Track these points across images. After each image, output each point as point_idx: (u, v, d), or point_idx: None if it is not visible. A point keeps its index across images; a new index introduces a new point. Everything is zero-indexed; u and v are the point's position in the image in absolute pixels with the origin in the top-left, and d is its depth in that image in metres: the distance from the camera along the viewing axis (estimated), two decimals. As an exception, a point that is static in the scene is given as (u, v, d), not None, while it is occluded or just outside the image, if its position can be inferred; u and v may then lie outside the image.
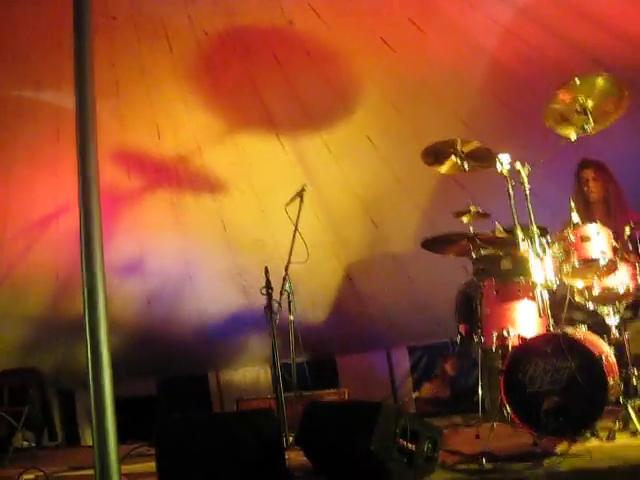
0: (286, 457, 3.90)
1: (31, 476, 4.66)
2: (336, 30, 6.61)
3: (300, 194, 5.71)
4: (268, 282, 5.42)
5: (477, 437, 4.54)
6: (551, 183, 5.69)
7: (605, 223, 4.39)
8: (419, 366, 8.66)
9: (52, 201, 8.05)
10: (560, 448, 3.55)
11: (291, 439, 4.93)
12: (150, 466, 4.05)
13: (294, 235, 5.60)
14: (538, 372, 3.70)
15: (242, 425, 3.65)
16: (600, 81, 4.04)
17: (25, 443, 7.87)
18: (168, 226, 8.50)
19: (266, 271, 5.51)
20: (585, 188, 5.37)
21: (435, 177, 6.65)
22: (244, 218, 8.31)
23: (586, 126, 4.13)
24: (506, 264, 5.05)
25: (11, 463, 6.00)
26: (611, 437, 3.81)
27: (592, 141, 4.78)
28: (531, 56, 6.32)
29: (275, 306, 5.37)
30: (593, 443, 3.72)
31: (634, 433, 3.75)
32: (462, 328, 5.50)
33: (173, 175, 8.19)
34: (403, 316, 7.42)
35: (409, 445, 3.34)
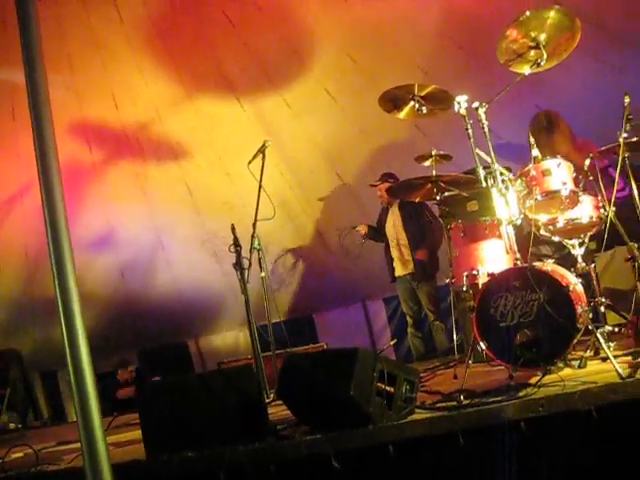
0: (269, 412, 3.95)
1: (20, 454, 4.66)
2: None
3: (262, 150, 5.68)
4: (236, 239, 5.44)
5: (455, 377, 4.61)
6: (516, 125, 5.73)
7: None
8: (396, 316, 8.74)
9: (15, 181, 7.96)
10: (534, 379, 3.62)
11: (272, 395, 4.99)
12: (137, 434, 4.08)
13: (259, 192, 5.60)
14: (508, 306, 3.75)
15: (221, 382, 3.67)
16: (552, 13, 4.02)
17: (11, 425, 7.88)
18: (135, 197, 8.46)
19: (232, 228, 5.52)
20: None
21: (397, 125, 6.65)
22: (210, 182, 8.29)
23: (540, 61, 4.13)
24: (472, 206, 5.08)
25: (-2, 444, 6.00)
26: (583, 365, 3.90)
27: (551, 75, 4.79)
28: (485, -3, 6.30)
29: (245, 262, 5.37)
30: (566, 371, 3.79)
31: (604, 359, 3.83)
32: None
33: (135, 145, 8.13)
34: (377, 268, 7.46)
35: (387, 388, 3.38)
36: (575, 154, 5.03)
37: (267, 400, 4.80)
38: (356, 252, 7.29)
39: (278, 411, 4.28)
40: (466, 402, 3.47)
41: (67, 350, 2.08)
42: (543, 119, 5.36)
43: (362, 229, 7.12)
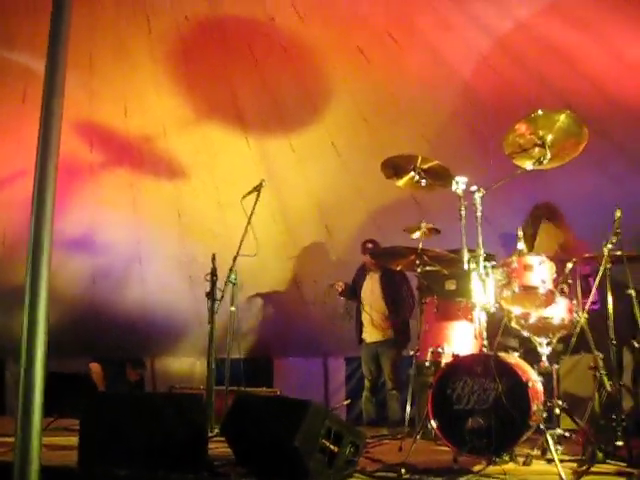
0: (209, 446, 3.91)
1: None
2: (315, 32, 6.69)
3: (257, 189, 5.75)
4: (214, 269, 5.45)
5: (400, 449, 4.60)
6: (509, 215, 5.84)
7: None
8: (354, 377, 8.70)
9: (10, 163, 7.94)
10: (478, 467, 3.63)
11: (216, 431, 4.94)
12: (72, 440, 4.02)
13: (246, 227, 5.63)
14: (466, 390, 3.77)
15: (168, 406, 3.64)
16: (562, 117, 4.15)
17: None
18: (124, 206, 8.45)
19: (213, 258, 5.53)
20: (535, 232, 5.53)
21: (394, 191, 6.72)
22: (201, 208, 8.31)
23: (543, 159, 4.23)
24: (450, 285, 5.15)
25: None
26: (528, 462, 3.91)
27: (553, 175, 4.91)
28: (503, 88, 6.45)
29: (218, 294, 5.38)
30: (510, 466, 3.80)
31: (550, 461, 3.84)
32: None
33: (136, 156, 8.15)
34: (344, 326, 7.46)
35: (331, 446, 3.37)
36: (570, 250, 5.13)
37: (210, 434, 4.75)
38: (340, 311, 7.30)
39: (218, 447, 4.24)
40: (405, 476, 3.47)
41: (24, 338, 2.06)
42: (547, 207, 5.50)
43: (339, 287, 7.10)
